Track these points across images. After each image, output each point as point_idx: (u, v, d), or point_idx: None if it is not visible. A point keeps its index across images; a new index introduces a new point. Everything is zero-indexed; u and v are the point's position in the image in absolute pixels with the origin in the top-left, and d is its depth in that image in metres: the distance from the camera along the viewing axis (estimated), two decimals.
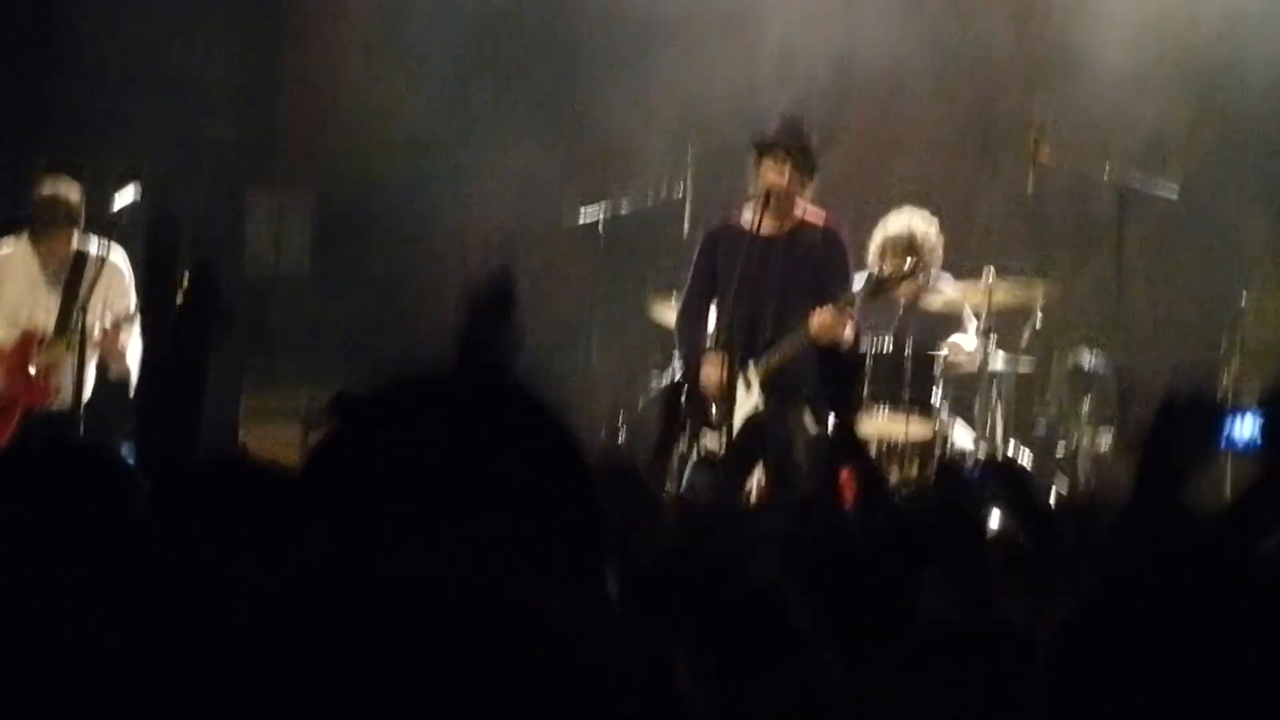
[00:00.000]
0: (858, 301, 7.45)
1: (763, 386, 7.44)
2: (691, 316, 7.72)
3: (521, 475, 1.51)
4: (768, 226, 7.53)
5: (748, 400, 7.43)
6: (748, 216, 7.53)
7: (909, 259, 7.75)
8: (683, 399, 7.65)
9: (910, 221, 8.32)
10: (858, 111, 9.78)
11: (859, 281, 7.92)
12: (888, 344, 8.03)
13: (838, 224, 7.64)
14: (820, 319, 7.28)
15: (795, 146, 7.48)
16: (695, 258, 7.76)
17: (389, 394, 1.57)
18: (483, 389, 1.59)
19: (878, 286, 7.49)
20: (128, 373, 7.70)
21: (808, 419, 7.32)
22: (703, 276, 7.68)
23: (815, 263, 7.51)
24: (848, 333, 7.30)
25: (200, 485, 2.29)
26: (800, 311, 7.45)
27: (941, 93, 10.11)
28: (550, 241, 9.73)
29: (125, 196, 7.63)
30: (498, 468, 1.51)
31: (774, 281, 7.52)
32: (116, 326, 7.57)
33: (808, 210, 7.62)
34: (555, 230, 9.55)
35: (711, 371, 7.51)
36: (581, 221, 9.06)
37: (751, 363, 7.46)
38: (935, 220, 8.37)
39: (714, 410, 7.46)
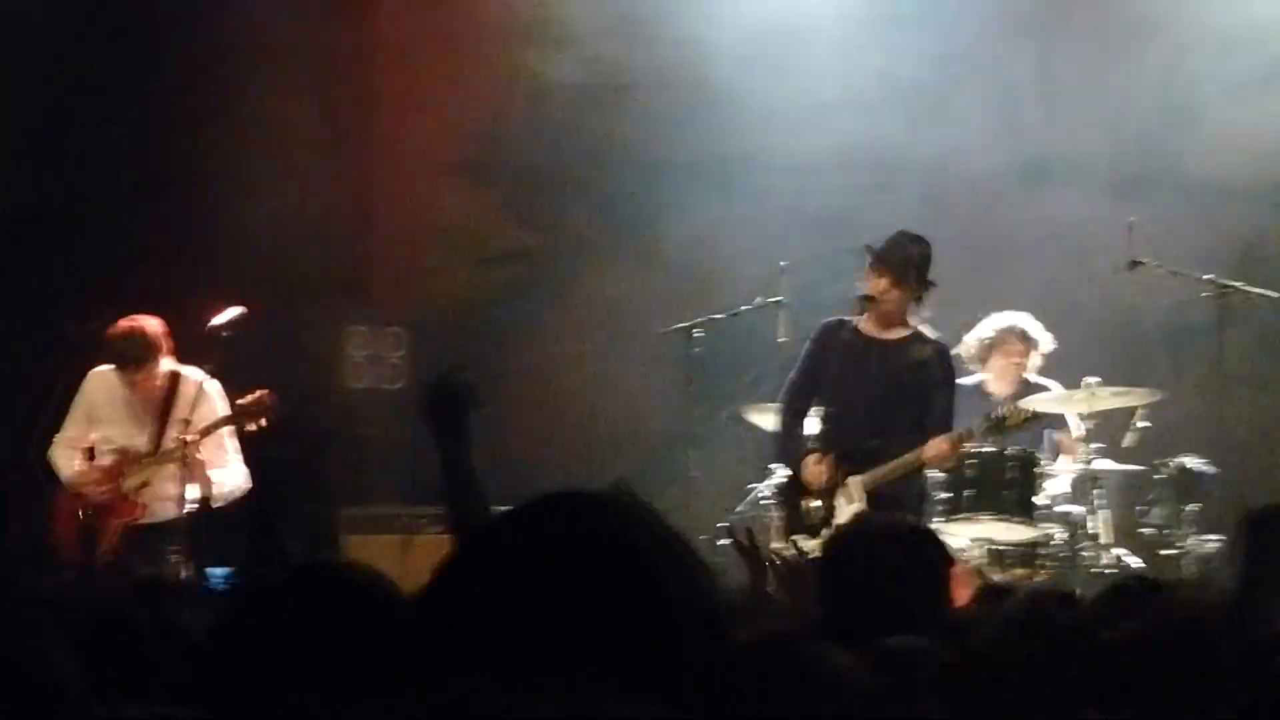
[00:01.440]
0: (976, 435, 7.44)
1: (868, 500, 7.42)
2: (794, 408, 7.66)
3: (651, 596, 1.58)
4: (877, 331, 7.57)
5: (847, 510, 7.41)
6: (865, 320, 7.57)
7: (1024, 413, 7.65)
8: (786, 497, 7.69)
9: (1016, 319, 8.55)
10: (954, 219, 9.75)
11: (968, 394, 8.00)
12: (986, 449, 8.01)
13: (947, 341, 7.70)
14: (937, 449, 7.27)
15: (894, 259, 7.48)
16: (807, 346, 7.71)
17: (520, 515, 1.64)
18: (607, 507, 1.65)
19: (997, 425, 7.41)
20: (218, 489, 8.10)
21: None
22: (811, 368, 7.64)
23: (922, 374, 7.48)
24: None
25: (293, 595, 2.21)
26: (904, 421, 7.43)
27: (1036, 198, 10.20)
28: (645, 349, 9.89)
29: (226, 319, 8.09)
30: (624, 590, 1.57)
31: (881, 387, 7.48)
32: (199, 441, 7.97)
33: (920, 324, 7.61)
34: (650, 338, 9.64)
35: (816, 469, 7.48)
36: (677, 326, 9.08)
37: (860, 476, 7.42)
38: (1039, 323, 8.59)
39: (813, 509, 7.52)
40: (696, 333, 9.01)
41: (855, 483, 7.49)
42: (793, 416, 7.70)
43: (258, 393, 7.99)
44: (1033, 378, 8.68)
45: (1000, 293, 9.13)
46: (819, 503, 7.52)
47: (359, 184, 10.78)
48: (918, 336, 7.55)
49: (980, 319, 8.71)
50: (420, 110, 10.69)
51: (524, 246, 10.85)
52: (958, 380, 8.05)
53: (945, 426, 7.47)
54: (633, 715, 1.44)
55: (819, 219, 10.02)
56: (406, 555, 8.40)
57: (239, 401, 8.03)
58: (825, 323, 7.75)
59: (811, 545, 7.08)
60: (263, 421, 7.93)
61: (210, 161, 10.08)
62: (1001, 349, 8.64)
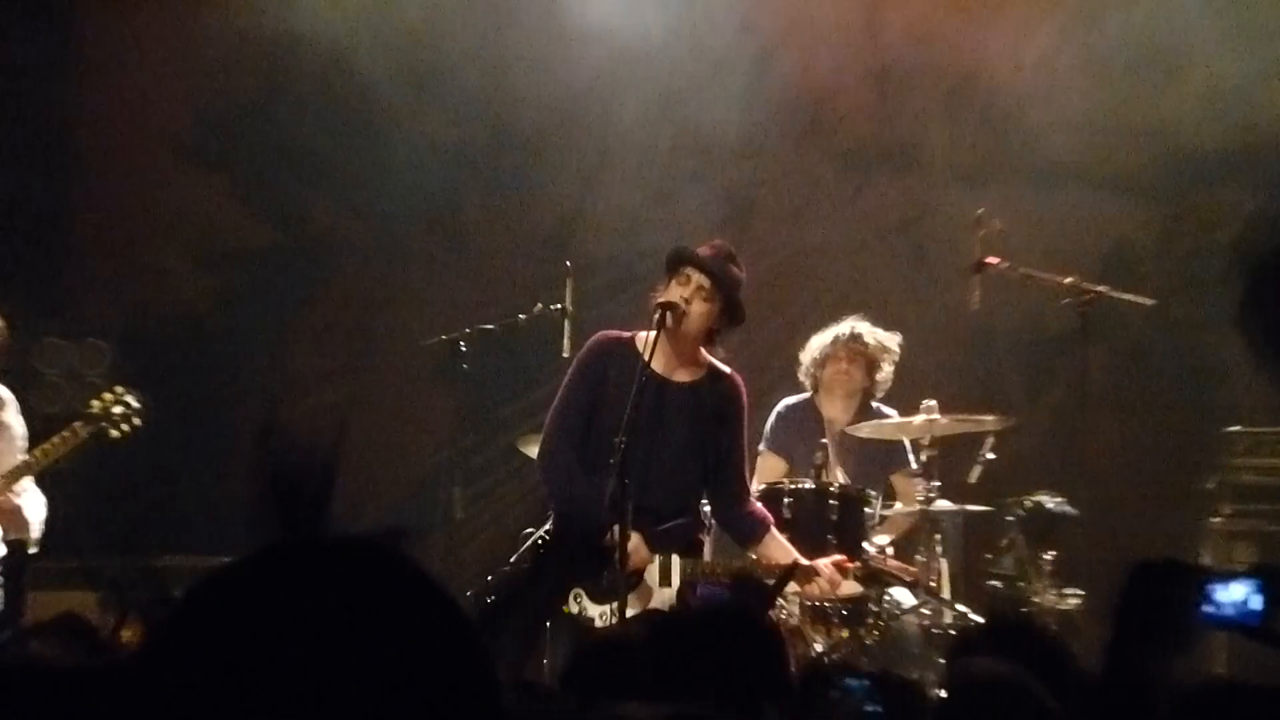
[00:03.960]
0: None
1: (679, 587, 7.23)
2: (571, 443, 7.30)
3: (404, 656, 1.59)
4: (668, 369, 7.27)
5: (661, 595, 7.21)
6: (655, 353, 7.18)
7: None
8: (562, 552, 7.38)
9: (861, 327, 8.47)
10: (765, 215, 9.92)
11: (798, 414, 8.27)
12: (808, 486, 7.85)
13: (736, 374, 7.43)
14: (831, 580, 7.26)
15: (717, 268, 7.16)
16: (584, 363, 7.36)
17: (238, 570, 1.63)
18: (348, 558, 1.65)
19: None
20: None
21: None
22: (588, 389, 7.31)
23: (721, 422, 7.29)
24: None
25: None
26: (695, 474, 7.28)
27: (864, 190, 10.33)
28: (405, 365, 9.92)
29: None
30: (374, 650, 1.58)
31: (678, 438, 7.26)
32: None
33: (712, 354, 7.39)
34: (411, 352, 9.34)
35: (641, 554, 7.22)
36: (443, 338, 8.68)
37: (678, 560, 7.23)
38: (895, 335, 8.46)
39: (606, 577, 7.15)
40: (465, 346, 8.67)
41: (676, 562, 7.28)
42: (574, 454, 7.30)
43: None
44: (875, 403, 8.61)
45: (818, 303, 9.36)
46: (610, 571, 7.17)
47: (53, 165, 10.44)
48: (712, 373, 7.35)
49: (808, 332, 8.66)
50: (133, 77, 10.39)
51: (260, 242, 10.65)
52: (790, 400, 8.34)
53: (740, 472, 7.33)
54: None
55: (610, 216, 10.23)
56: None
57: None
58: (603, 338, 7.39)
59: (597, 611, 7.10)
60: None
61: None
62: (834, 362, 8.54)
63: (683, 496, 7.28)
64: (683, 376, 7.34)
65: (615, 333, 7.41)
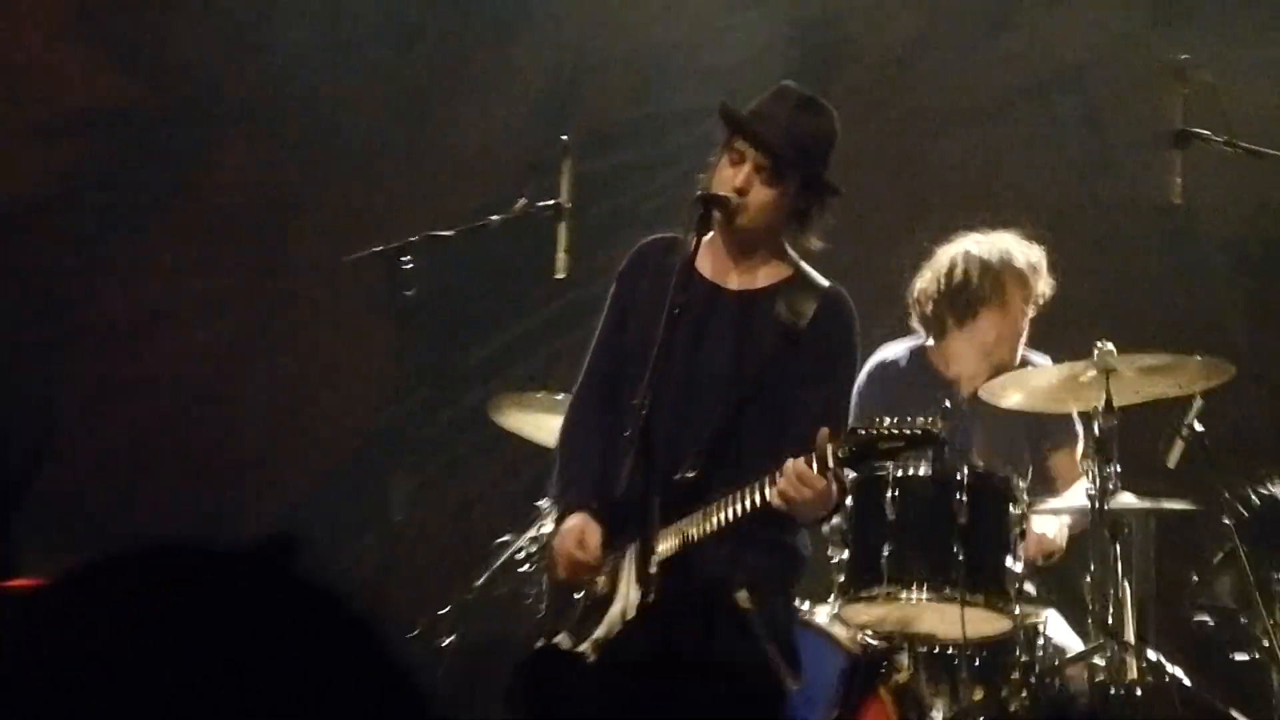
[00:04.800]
0: (838, 459, 7.17)
1: (674, 568, 7.29)
2: (592, 401, 7.59)
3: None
4: (720, 266, 7.42)
5: (635, 591, 7.38)
6: (707, 251, 7.49)
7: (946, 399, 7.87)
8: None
9: (1006, 247, 8.69)
10: (854, 63, 10.23)
11: (912, 375, 8.58)
12: (923, 471, 7.96)
13: (842, 289, 7.55)
14: (794, 480, 7.11)
15: (778, 136, 7.24)
16: (612, 293, 7.62)
17: (58, 589, 1.87)
18: (224, 576, 1.88)
19: (868, 446, 7.20)
20: None
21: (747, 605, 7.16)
22: (616, 320, 7.55)
23: (801, 348, 7.37)
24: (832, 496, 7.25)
25: None
26: (763, 431, 7.32)
27: (1006, 30, 10.64)
28: (324, 290, 10.23)
29: None
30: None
31: (729, 368, 7.38)
32: None
33: (800, 259, 7.50)
34: (332, 270, 9.54)
35: (573, 543, 7.37)
36: (375, 250, 8.72)
37: (664, 530, 7.32)
38: (1042, 252, 8.69)
39: (583, 595, 7.49)
40: (411, 261, 8.63)
41: (666, 540, 7.32)
42: (589, 417, 7.60)
43: None
44: (1021, 353, 8.84)
45: (935, 198, 9.69)
46: (600, 579, 7.48)
47: None
48: (799, 281, 7.43)
49: (933, 247, 8.80)
50: None
51: (121, 100, 10.80)
52: (892, 349, 8.61)
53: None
54: None
55: (627, 65, 10.44)
56: None
57: None
58: (640, 247, 7.62)
59: (583, 648, 7.29)
60: None
61: None
62: (993, 308, 8.72)
63: (734, 464, 7.28)
64: (744, 281, 7.44)
65: (663, 235, 7.60)
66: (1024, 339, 8.84)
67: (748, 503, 7.18)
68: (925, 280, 8.80)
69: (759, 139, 7.21)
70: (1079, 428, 8.42)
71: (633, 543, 7.36)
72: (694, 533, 7.28)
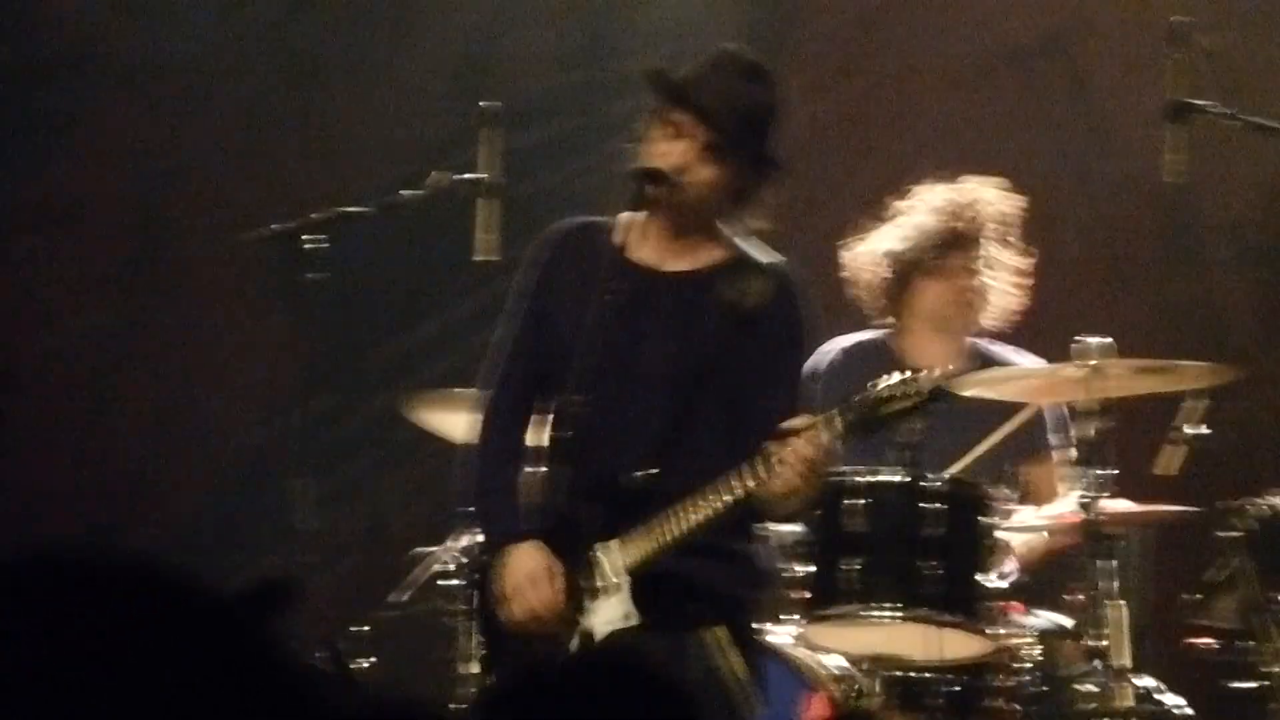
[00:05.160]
0: (840, 430, 7.27)
1: (635, 579, 7.34)
2: (508, 397, 7.63)
3: None
4: (654, 250, 7.45)
5: (608, 604, 7.37)
6: (637, 231, 7.51)
7: (935, 382, 7.62)
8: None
9: (975, 194, 8.83)
10: (817, 16, 10.33)
11: (864, 360, 8.51)
12: (894, 478, 8.06)
13: (786, 264, 7.58)
14: (789, 463, 7.15)
15: (715, 103, 7.29)
16: (525, 274, 7.63)
17: None
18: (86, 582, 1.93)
19: (873, 410, 7.29)
20: None
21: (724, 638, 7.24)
22: (538, 315, 7.56)
23: (750, 332, 7.42)
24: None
25: None
26: (713, 424, 7.42)
27: None
28: (217, 274, 10.44)
29: None
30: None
31: (669, 361, 7.43)
32: None
33: (745, 239, 7.54)
34: (226, 252, 9.89)
35: (530, 578, 7.37)
36: (274, 229, 8.82)
37: (616, 542, 7.34)
38: (1015, 200, 8.83)
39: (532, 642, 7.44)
40: (314, 241, 8.70)
41: (614, 551, 7.33)
42: (505, 416, 7.64)
43: None
44: (983, 343, 8.94)
45: (906, 165, 9.58)
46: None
47: None
48: (741, 261, 7.46)
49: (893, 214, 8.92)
50: None
51: None
52: (855, 338, 8.72)
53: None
54: None
55: (548, 26, 10.59)
56: None
57: None
58: (553, 231, 7.69)
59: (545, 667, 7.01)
60: None
61: None
62: (948, 274, 8.85)
63: (688, 462, 7.31)
64: (681, 265, 7.48)
65: (579, 219, 7.65)
66: (986, 308, 8.86)
67: (729, 498, 7.19)
68: (880, 251, 8.88)
69: (702, 112, 7.26)
70: (1056, 430, 8.70)
71: (574, 555, 7.39)
72: (663, 539, 7.31)
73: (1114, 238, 10.41)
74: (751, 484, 7.15)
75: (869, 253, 8.90)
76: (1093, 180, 10.46)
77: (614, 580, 7.35)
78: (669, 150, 7.23)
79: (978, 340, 8.90)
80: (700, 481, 7.25)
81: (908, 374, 7.39)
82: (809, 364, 8.23)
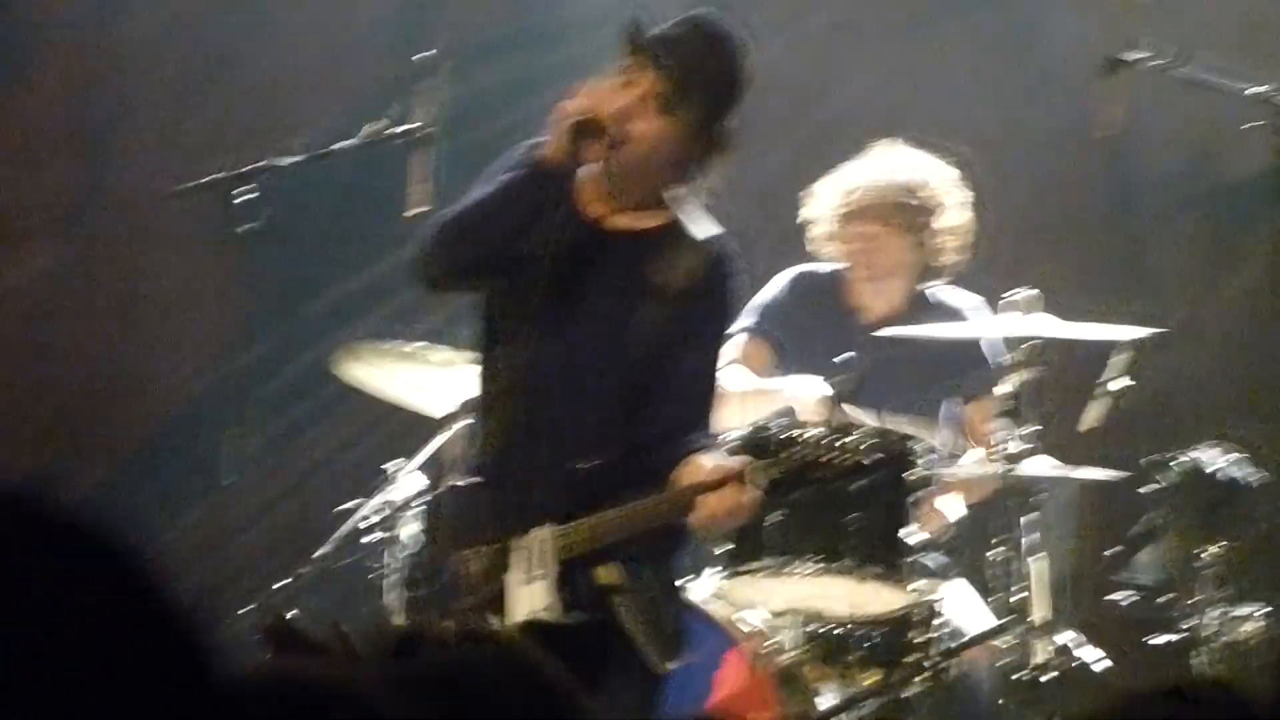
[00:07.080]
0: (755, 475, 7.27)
1: (562, 570, 7.38)
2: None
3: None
4: (600, 201, 7.46)
5: (526, 592, 7.39)
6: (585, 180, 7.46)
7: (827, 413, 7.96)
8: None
9: (898, 159, 8.92)
10: None
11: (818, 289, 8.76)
12: (812, 433, 7.76)
13: (730, 239, 7.55)
14: (712, 502, 7.24)
15: (678, 55, 7.31)
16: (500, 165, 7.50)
17: None
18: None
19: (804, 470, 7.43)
20: None
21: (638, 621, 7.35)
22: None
23: (680, 312, 7.46)
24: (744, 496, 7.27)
25: None
26: (639, 393, 7.47)
27: None
28: (148, 226, 10.41)
29: None
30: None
31: (603, 323, 7.48)
32: None
33: (689, 210, 7.53)
34: (155, 205, 9.82)
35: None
36: (206, 180, 8.83)
37: (549, 529, 7.38)
38: (954, 170, 8.87)
39: (470, 575, 7.48)
40: (244, 194, 8.76)
41: (544, 538, 7.36)
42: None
43: None
44: (933, 289, 9.02)
45: (851, 123, 9.80)
46: (477, 566, 7.48)
47: None
48: (677, 230, 7.50)
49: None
50: None
51: None
52: (802, 268, 8.90)
53: (701, 407, 7.47)
54: None
55: None
56: None
57: None
58: (526, 152, 7.50)
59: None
60: None
61: None
62: (853, 221, 8.96)
63: (609, 421, 7.41)
64: (625, 222, 7.50)
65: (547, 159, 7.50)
66: (933, 273, 8.99)
67: (656, 518, 7.30)
68: (814, 202, 9.02)
69: (655, 59, 7.25)
70: (997, 375, 8.65)
71: (506, 529, 7.41)
72: (596, 534, 7.35)
73: (1047, 190, 10.47)
74: (646, 506, 7.24)
75: (808, 215, 8.99)
76: (1025, 133, 10.46)
77: (539, 571, 7.36)
78: (619, 100, 7.26)
79: (925, 283, 8.98)
80: (647, 475, 7.32)
81: (857, 431, 7.58)
82: (760, 293, 8.67)
